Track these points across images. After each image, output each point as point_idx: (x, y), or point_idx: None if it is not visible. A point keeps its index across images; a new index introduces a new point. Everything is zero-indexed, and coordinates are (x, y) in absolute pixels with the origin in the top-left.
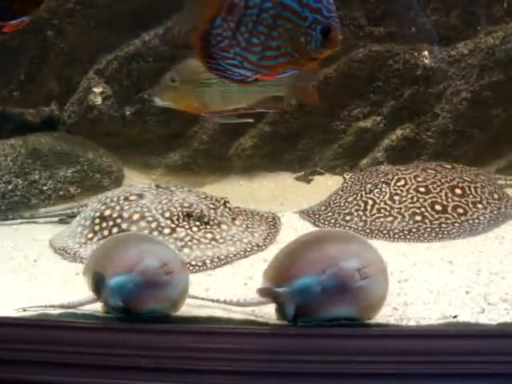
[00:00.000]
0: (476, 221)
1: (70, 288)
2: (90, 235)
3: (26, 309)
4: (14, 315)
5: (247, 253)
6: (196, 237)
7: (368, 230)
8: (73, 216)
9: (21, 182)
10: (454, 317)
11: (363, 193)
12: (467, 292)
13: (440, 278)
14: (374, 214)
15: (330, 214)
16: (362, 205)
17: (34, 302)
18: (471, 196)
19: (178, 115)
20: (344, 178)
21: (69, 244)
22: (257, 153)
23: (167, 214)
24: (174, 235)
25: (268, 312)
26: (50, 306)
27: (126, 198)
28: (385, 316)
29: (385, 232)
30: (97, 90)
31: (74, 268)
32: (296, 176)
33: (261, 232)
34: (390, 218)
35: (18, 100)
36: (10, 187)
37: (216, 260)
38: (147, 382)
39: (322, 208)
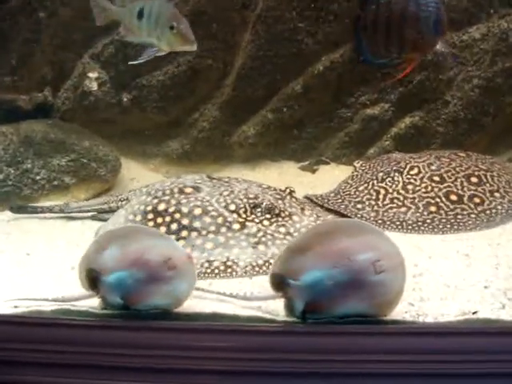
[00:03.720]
0: (493, 211)
1: None
2: None
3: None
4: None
5: None
6: (269, 231)
7: (380, 221)
8: (107, 211)
9: (12, 172)
10: (474, 313)
11: (375, 181)
12: (486, 287)
13: (457, 272)
14: (386, 204)
15: (340, 200)
16: (374, 194)
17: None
18: (488, 184)
19: (177, 102)
20: (354, 166)
21: None
22: (260, 141)
23: (232, 207)
24: (245, 231)
25: (275, 308)
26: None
27: (181, 191)
28: (400, 312)
29: (398, 223)
30: (92, 75)
31: None
32: (300, 165)
33: (332, 219)
34: (403, 209)
35: (9, 86)
36: (1, 177)
37: None
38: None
39: (331, 195)
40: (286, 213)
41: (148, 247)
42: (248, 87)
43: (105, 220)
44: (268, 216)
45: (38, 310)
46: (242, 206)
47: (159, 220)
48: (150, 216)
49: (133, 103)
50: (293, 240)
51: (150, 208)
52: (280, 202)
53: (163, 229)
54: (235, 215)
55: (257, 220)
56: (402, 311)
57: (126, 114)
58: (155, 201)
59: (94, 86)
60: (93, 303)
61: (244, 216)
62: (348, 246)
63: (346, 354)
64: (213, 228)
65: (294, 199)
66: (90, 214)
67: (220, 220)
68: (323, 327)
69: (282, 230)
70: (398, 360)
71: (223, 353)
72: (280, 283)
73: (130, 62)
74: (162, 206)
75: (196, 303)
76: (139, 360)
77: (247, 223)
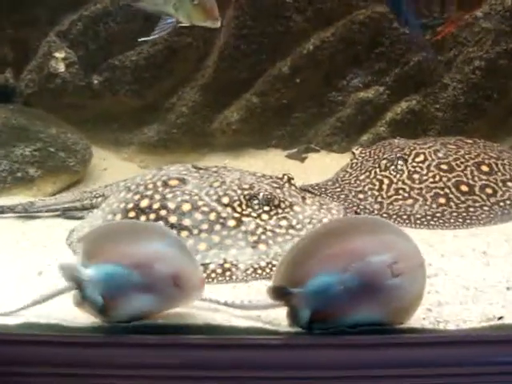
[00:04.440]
0: (508, 202)
1: None
2: None
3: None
4: None
5: None
6: (269, 227)
7: (385, 215)
8: (80, 209)
9: None
10: (500, 318)
11: (377, 170)
12: (508, 288)
13: (475, 272)
14: (391, 196)
15: (339, 189)
16: (377, 184)
17: None
18: (499, 173)
19: (153, 84)
20: (353, 152)
21: None
22: (244, 127)
23: (225, 200)
24: (243, 228)
25: (277, 317)
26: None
27: (166, 184)
28: (418, 319)
29: (405, 217)
30: (59, 55)
31: None
32: (288, 154)
33: (336, 207)
34: (409, 201)
35: None
36: None
37: None
38: None
39: (329, 183)
40: (287, 203)
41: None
42: (231, 68)
43: (77, 218)
44: (266, 208)
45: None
46: (236, 198)
47: (142, 218)
48: (132, 214)
49: (104, 86)
50: (297, 241)
51: (131, 205)
52: (278, 191)
53: None
54: (229, 209)
55: (254, 214)
56: (420, 317)
57: (96, 98)
58: (137, 197)
59: (61, 67)
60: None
61: (239, 210)
62: (361, 246)
63: (359, 369)
64: (205, 226)
65: (293, 187)
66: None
67: (213, 216)
68: (332, 339)
69: (284, 223)
70: (420, 375)
71: (216, 372)
72: (281, 292)
73: (141, 39)
74: (144, 203)
75: (186, 312)
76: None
77: (244, 218)
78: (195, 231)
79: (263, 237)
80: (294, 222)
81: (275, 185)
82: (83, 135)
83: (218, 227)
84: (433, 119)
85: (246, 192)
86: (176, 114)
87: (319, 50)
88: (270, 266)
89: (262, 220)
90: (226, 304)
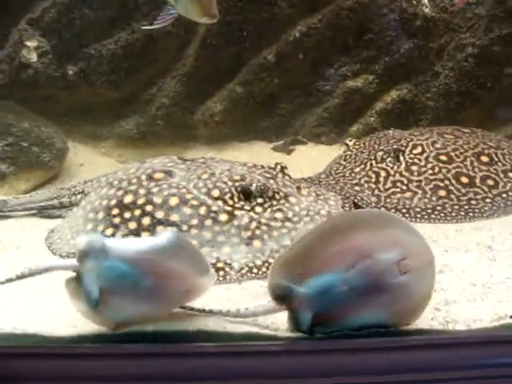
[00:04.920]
0: (510, 194)
1: None
2: (110, 231)
3: None
4: None
5: None
6: (263, 220)
7: (383, 209)
8: (58, 208)
9: None
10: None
11: (373, 162)
12: None
13: (481, 268)
14: (388, 189)
15: (334, 182)
16: (374, 176)
17: None
18: (500, 164)
19: (131, 74)
20: (346, 144)
21: None
22: (227, 119)
23: (215, 193)
24: (235, 222)
25: (274, 321)
26: None
27: (150, 177)
28: (425, 319)
29: (404, 211)
30: (31, 44)
31: None
32: (274, 146)
33: (333, 198)
34: (408, 194)
35: None
36: None
37: None
38: None
39: (323, 176)
40: (281, 194)
41: None
42: (213, 57)
43: (54, 217)
44: (260, 200)
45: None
46: (227, 190)
47: (127, 215)
48: (115, 211)
49: (79, 77)
50: (296, 238)
51: (114, 202)
52: (272, 181)
53: (133, 225)
54: (220, 203)
55: (247, 207)
56: (428, 318)
57: (71, 90)
58: (120, 192)
59: (34, 57)
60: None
61: (231, 203)
62: (367, 242)
63: (365, 376)
64: (195, 221)
65: (287, 177)
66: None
67: (203, 210)
68: (336, 343)
69: (279, 215)
70: (429, 379)
71: (213, 381)
72: (282, 292)
73: (143, 27)
74: (128, 198)
75: (177, 319)
76: None
77: (236, 212)
78: (184, 227)
79: (258, 232)
80: (290, 214)
81: (268, 175)
82: (58, 129)
83: (208, 222)
84: (424, 108)
85: (237, 184)
86: (156, 106)
87: (306, 37)
88: (265, 264)
89: (255, 213)
90: (220, 313)
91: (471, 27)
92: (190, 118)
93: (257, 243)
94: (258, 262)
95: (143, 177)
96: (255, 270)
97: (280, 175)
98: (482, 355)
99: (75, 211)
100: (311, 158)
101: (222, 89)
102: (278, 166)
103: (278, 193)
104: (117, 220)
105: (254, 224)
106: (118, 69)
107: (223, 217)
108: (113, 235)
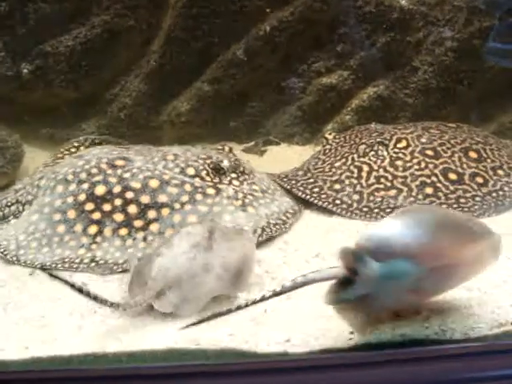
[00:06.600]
0: (500, 193)
1: None
2: (93, 229)
3: None
4: None
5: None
6: (246, 191)
7: (366, 209)
8: None
9: None
10: None
11: (355, 156)
12: None
13: None
14: (371, 184)
15: (312, 180)
16: (356, 171)
17: None
18: (489, 160)
19: (91, 73)
20: (326, 138)
21: (64, 255)
22: (195, 119)
23: (191, 172)
24: (224, 194)
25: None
26: None
27: (112, 165)
28: (420, 328)
29: (388, 210)
30: None
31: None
32: (245, 147)
33: (266, 179)
34: (393, 192)
35: None
36: None
37: (290, 212)
38: None
39: (299, 173)
40: (247, 170)
41: None
42: (179, 53)
43: None
44: (234, 175)
45: None
46: (201, 168)
47: (107, 207)
48: (90, 206)
49: (35, 76)
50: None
51: (83, 197)
52: (233, 160)
53: (119, 216)
54: (198, 180)
55: (225, 181)
56: (423, 326)
57: (27, 90)
58: (85, 186)
59: None
60: None
61: (209, 179)
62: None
63: None
64: (186, 198)
65: (237, 157)
66: None
67: (188, 187)
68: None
69: (256, 187)
70: None
71: None
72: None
73: None
74: (100, 189)
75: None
76: None
77: (219, 186)
78: (177, 205)
79: (247, 200)
80: (263, 187)
81: (224, 155)
82: (13, 131)
83: (199, 197)
84: (403, 105)
85: (208, 161)
86: (118, 107)
87: (277, 32)
88: (271, 225)
89: (236, 186)
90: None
91: (450, 20)
92: (155, 119)
93: (251, 209)
94: (264, 223)
95: (104, 166)
96: (268, 230)
97: (231, 155)
98: (487, 367)
99: (31, 218)
100: (285, 159)
101: (189, 87)
102: (226, 147)
103: (246, 169)
104: (96, 215)
105: (240, 194)
106: (77, 67)
107: (210, 190)
108: (100, 232)
